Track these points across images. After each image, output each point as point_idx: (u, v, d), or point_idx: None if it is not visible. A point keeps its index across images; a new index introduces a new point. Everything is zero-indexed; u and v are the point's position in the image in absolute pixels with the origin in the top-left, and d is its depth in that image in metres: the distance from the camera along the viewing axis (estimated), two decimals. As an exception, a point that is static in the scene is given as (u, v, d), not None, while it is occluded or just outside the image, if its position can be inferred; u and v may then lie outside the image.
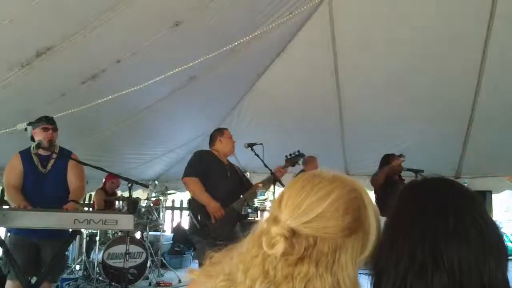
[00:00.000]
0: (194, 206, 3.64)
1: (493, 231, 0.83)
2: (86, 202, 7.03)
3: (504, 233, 6.34)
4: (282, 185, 4.41)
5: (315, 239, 0.77)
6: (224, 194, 3.60)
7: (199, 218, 3.53)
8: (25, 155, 3.24)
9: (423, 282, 0.77)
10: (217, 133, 3.97)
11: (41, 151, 3.23)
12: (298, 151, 4.18)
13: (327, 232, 0.77)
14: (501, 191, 6.74)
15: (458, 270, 0.77)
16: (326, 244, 0.77)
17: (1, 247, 2.96)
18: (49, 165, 3.28)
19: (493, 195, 5.81)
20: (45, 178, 3.24)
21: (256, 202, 8.16)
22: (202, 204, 3.53)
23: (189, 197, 3.82)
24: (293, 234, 0.77)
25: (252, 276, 0.77)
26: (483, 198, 5.41)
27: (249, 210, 7.56)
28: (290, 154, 4.15)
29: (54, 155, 3.28)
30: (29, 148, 3.23)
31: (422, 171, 4.73)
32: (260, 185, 4.07)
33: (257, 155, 3.92)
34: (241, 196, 3.80)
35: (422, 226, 0.81)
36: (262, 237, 0.79)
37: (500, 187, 6.58)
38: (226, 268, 0.84)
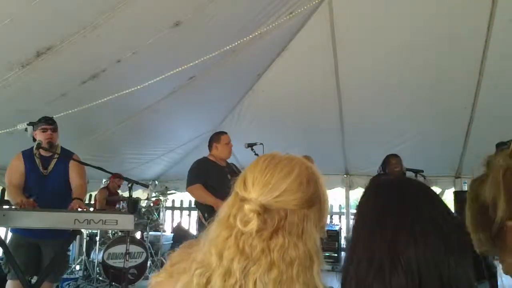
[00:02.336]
0: (200, 206, 3.78)
1: (454, 230, 0.82)
2: (87, 202, 7.03)
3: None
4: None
5: (286, 211, 0.84)
6: (227, 196, 3.62)
7: (205, 216, 3.65)
8: (27, 155, 3.24)
9: (382, 283, 0.77)
10: (214, 139, 4.05)
11: (42, 152, 3.23)
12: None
13: (295, 204, 0.85)
14: (501, 191, 6.73)
15: (416, 270, 0.76)
16: (295, 215, 0.85)
17: (1, 247, 2.96)
18: (51, 166, 3.27)
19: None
20: (47, 179, 3.24)
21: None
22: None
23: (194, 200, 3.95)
24: (264, 210, 0.83)
25: (228, 256, 0.82)
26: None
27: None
28: None
29: (56, 156, 3.27)
30: (32, 148, 3.22)
31: (422, 171, 4.73)
32: None
33: (257, 155, 3.91)
34: None
35: (381, 227, 0.82)
36: (232, 218, 0.85)
37: (500, 187, 6.57)
38: (198, 257, 0.87)
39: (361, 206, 0.92)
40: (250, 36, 4.07)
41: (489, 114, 5.62)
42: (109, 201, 5.86)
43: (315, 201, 0.88)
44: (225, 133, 4.13)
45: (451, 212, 0.87)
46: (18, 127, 3.31)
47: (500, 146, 4.78)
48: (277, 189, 0.85)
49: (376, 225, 0.83)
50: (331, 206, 8.50)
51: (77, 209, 3.06)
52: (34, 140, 3.25)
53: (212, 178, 3.77)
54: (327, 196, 0.93)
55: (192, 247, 0.93)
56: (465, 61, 5.06)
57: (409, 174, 4.91)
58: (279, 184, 0.86)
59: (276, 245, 0.82)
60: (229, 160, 4.17)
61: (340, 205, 9.05)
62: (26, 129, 3.26)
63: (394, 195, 0.88)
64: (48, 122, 3.24)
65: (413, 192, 0.88)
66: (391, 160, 4.83)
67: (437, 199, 0.88)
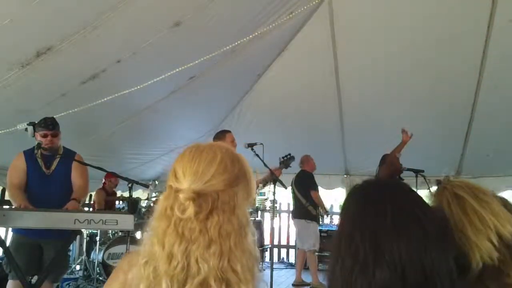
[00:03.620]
0: None
1: (434, 222, 0.85)
2: (87, 202, 7.03)
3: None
4: (283, 185, 4.43)
5: (217, 193, 0.93)
6: None
7: None
8: (29, 155, 3.23)
9: (366, 279, 0.80)
10: (219, 137, 3.97)
11: (43, 152, 3.22)
12: (289, 154, 4.25)
13: (224, 184, 0.94)
14: (501, 191, 6.73)
15: (399, 263, 0.79)
16: (226, 194, 0.94)
17: (1, 247, 2.96)
18: (53, 166, 3.26)
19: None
20: (49, 179, 3.23)
21: (256, 202, 8.17)
22: None
23: None
24: (198, 196, 0.91)
25: (169, 242, 0.89)
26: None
27: (249, 210, 7.58)
28: (283, 157, 4.22)
29: (58, 156, 3.27)
30: (33, 148, 3.21)
31: (422, 171, 4.73)
32: (260, 185, 4.09)
33: (257, 155, 3.93)
34: None
35: (362, 227, 0.86)
36: (169, 209, 0.93)
37: (500, 187, 6.57)
38: (142, 249, 0.94)
39: (343, 209, 0.97)
40: (250, 36, 4.07)
41: (489, 114, 5.63)
42: (107, 202, 5.85)
43: (241, 179, 0.98)
44: (229, 131, 4.08)
45: (429, 206, 0.93)
46: (18, 127, 3.30)
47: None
48: (206, 174, 0.93)
49: (358, 224, 0.87)
50: (331, 206, 8.50)
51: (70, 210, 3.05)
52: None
53: None
54: (251, 172, 1.02)
55: (135, 254, 0.99)
56: (465, 61, 5.06)
57: (410, 174, 4.92)
58: (207, 170, 0.94)
59: (212, 223, 0.90)
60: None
61: (340, 205, 9.05)
62: (26, 129, 3.24)
63: (372, 197, 0.92)
64: (48, 127, 3.18)
65: (391, 190, 0.93)
66: (389, 158, 4.86)
67: (414, 195, 0.92)
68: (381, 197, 0.90)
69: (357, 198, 0.95)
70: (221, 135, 4.02)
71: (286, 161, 4.22)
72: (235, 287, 0.88)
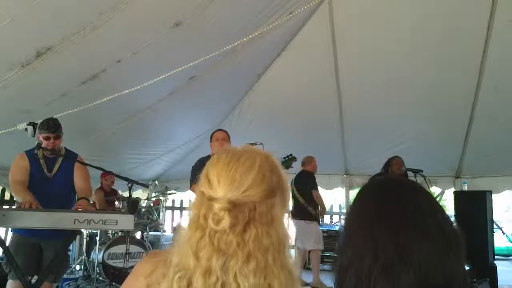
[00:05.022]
0: None
1: (451, 225, 0.84)
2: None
3: (504, 233, 6.32)
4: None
5: (254, 204, 0.86)
6: None
7: None
8: (31, 155, 3.21)
9: (389, 280, 0.78)
10: (210, 138, 3.93)
11: (45, 153, 3.22)
12: (291, 154, 4.22)
13: (262, 195, 0.87)
14: (501, 191, 6.74)
15: (424, 265, 0.78)
16: (264, 205, 0.87)
17: (1, 247, 2.96)
18: (55, 168, 3.25)
19: (493, 195, 5.81)
20: (51, 182, 3.22)
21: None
22: None
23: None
24: (234, 206, 0.85)
25: (205, 256, 0.83)
26: (483, 198, 5.41)
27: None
28: (284, 157, 4.20)
29: (60, 158, 3.26)
30: (34, 148, 3.21)
31: (422, 171, 4.73)
32: None
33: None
34: None
35: (384, 226, 0.82)
36: (202, 219, 0.86)
37: (500, 187, 6.58)
38: (174, 261, 0.87)
39: (358, 205, 0.92)
40: (250, 36, 4.07)
41: (489, 114, 5.63)
42: (107, 201, 5.85)
43: (278, 189, 0.92)
44: (219, 130, 4.01)
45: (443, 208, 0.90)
46: (18, 127, 3.30)
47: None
48: (243, 183, 0.86)
49: (376, 223, 0.83)
50: (331, 206, 8.50)
51: (83, 208, 3.05)
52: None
53: None
54: (287, 182, 0.97)
55: (158, 257, 0.94)
56: (465, 61, 5.06)
57: (409, 174, 4.92)
58: (245, 178, 0.87)
59: (250, 236, 0.84)
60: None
61: (340, 205, 9.05)
62: (26, 129, 3.24)
63: (391, 192, 0.89)
64: (50, 130, 3.16)
65: (411, 191, 0.89)
66: (394, 160, 4.89)
67: (431, 196, 0.90)
68: (400, 195, 0.87)
69: (374, 195, 0.91)
70: (212, 134, 3.93)
71: (288, 161, 4.19)
72: None
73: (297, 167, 6.02)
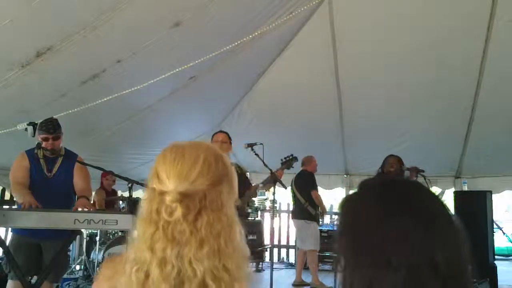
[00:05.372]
0: None
1: (459, 225, 0.82)
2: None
3: (504, 233, 6.32)
4: (283, 185, 4.42)
5: (203, 192, 0.92)
6: None
7: None
8: (31, 155, 3.21)
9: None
10: (211, 140, 3.86)
11: (45, 153, 3.22)
12: (292, 155, 4.21)
13: (209, 183, 0.93)
14: (501, 191, 6.74)
15: (446, 270, 0.75)
16: (213, 193, 0.93)
17: (1, 247, 2.96)
18: (55, 169, 3.24)
19: (493, 195, 5.81)
20: (51, 182, 3.21)
21: (256, 202, 8.18)
22: None
23: None
24: (185, 197, 0.90)
25: (160, 247, 0.87)
26: (483, 198, 5.41)
27: (249, 210, 7.58)
28: (285, 158, 4.18)
29: (60, 158, 3.26)
30: (34, 148, 3.20)
31: (423, 171, 4.72)
32: (261, 185, 4.08)
33: (257, 155, 3.92)
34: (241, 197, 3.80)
35: (406, 229, 0.77)
36: (155, 213, 0.91)
37: (500, 187, 6.58)
38: (130, 257, 0.91)
39: (362, 208, 0.85)
40: (250, 36, 4.06)
41: (489, 114, 5.63)
42: (107, 202, 5.84)
43: (225, 177, 0.97)
44: (220, 131, 3.97)
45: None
46: (18, 127, 3.29)
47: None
48: (191, 175, 0.92)
49: (395, 228, 0.78)
50: (331, 206, 8.49)
51: (83, 207, 3.04)
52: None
53: None
54: (233, 170, 1.03)
55: (116, 261, 0.97)
56: (465, 61, 5.06)
57: (409, 173, 4.91)
58: (192, 170, 0.93)
59: (202, 223, 0.89)
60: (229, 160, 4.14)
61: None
62: (26, 129, 3.23)
63: (408, 199, 0.83)
64: (49, 131, 3.13)
65: (426, 195, 0.85)
66: (389, 159, 4.83)
67: (442, 199, 0.87)
68: (416, 200, 0.83)
69: (388, 197, 0.84)
70: (212, 136, 3.89)
71: (288, 161, 4.17)
72: (229, 286, 0.88)
73: (297, 167, 6.03)
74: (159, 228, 0.89)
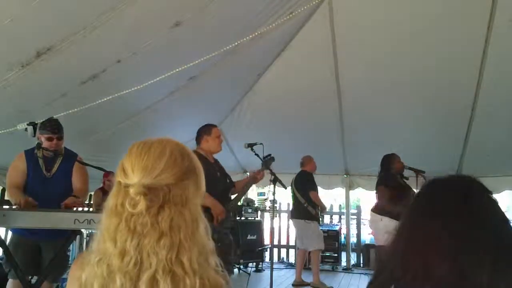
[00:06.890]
0: None
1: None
2: (86, 202, 7.01)
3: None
4: (283, 185, 4.42)
5: (168, 186, 0.94)
6: (218, 195, 3.44)
7: None
8: (30, 155, 3.21)
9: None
10: (205, 131, 3.79)
11: (44, 153, 3.21)
12: (270, 155, 3.98)
13: (175, 178, 0.95)
14: (501, 191, 6.74)
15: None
16: (177, 188, 0.95)
17: (1, 247, 2.95)
18: (54, 168, 3.24)
19: (493, 195, 5.79)
20: (50, 181, 3.21)
21: (256, 202, 8.18)
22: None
23: None
24: (149, 190, 0.92)
25: (121, 238, 0.90)
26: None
27: (249, 210, 7.58)
28: (264, 157, 3.96)
29: (59, 158, 3.26)
30: (34, 148, 3.20)
31: (424, 172, 4.72)
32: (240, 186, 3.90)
33: (257, 155, 3.92)
34: (232, 196, 3.78)
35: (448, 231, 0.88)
36: (120, 206, 0.93)
37: (500, 187, 6.57)
38: (94, 248, 0.94)
39: (444, 211, 0.96)
40: (250, 36, 4.06)
41: (489, 114, 5.63)
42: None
43: (191, 172, 0.99)
44: (215, 126, 3.92)
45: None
46: (18, 127, 3.29)
47: None
48: (156, 169, 0.93)
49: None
50: (331, 206, 8.50)
51: (69, 205, 3.02)
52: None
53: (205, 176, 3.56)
54: (200, 167, 1.04)
55: (84, 258, 0.98)
56: (465, 61, 5.06)
57: (410, 173, 4.92)
58: (157, 164, 0.94)
59: (163, 217, 0.91)
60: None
61: (340, 205, 9.05)
62: (26, 129, 3.23)
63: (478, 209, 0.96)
64: (54, 131, 3.15)
65: (492, 205, 0.98)
66: (393, 156, 4.85)
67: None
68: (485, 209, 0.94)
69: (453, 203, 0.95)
70: (207, 128, 3.82)
71: (266, 162, 3.97)
72: (180, 279, 0.88)
73: (297, 167, 6.03)
74: (122, 220, 0.91)
